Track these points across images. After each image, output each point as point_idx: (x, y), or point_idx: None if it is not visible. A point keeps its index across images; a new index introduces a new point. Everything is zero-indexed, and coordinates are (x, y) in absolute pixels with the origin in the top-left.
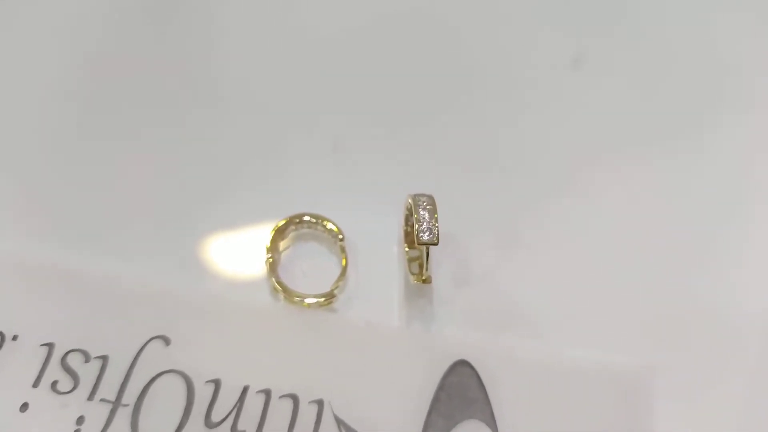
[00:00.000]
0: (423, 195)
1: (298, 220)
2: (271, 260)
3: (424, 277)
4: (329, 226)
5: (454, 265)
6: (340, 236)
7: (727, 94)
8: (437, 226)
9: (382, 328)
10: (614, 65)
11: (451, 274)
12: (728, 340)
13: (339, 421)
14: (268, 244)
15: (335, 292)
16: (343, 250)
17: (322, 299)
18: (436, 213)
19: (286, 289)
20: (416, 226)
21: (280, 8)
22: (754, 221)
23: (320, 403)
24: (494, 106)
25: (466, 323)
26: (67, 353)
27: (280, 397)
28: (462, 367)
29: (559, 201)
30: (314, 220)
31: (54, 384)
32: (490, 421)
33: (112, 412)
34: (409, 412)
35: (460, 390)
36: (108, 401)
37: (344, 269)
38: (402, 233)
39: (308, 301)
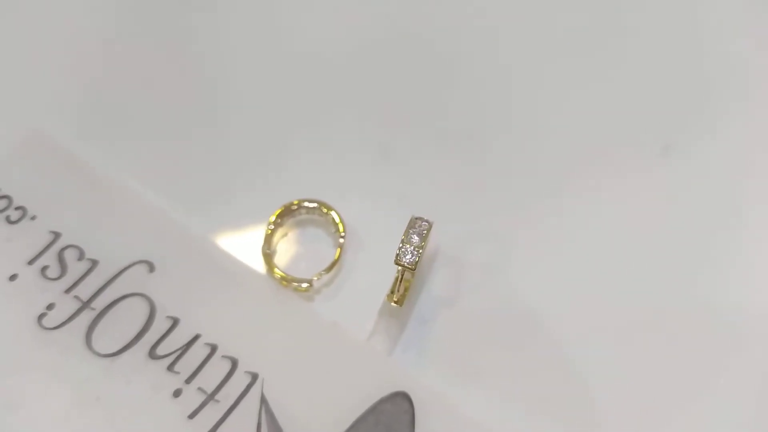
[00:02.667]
0: (424, 220)
1: (309, 205)
2: (269, 231)
3: (395, 298)
4: (336, 219)
5: (443, 297)
6: (342, 233)
7: (725, 93)
8: (420, 254)
9: (344, 334)
10: (611, 63)
11: (437, 305)
12: (727, 340)
13: (263, 400)
14: (273, 217)
15: (314, 281)
16: (340, 246)
17: (300, 284)
18: (426, 242)
19: (269, 262)
20: (400, 245)
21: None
22: (753, 220)
23: (254, 376)
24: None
25: (429, 360)
26: (67, 246)
27: (223, 356)
28: (401, 400)
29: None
30: (325, 210)
31: (45, 268)
32: None
33: (78, 311)
34: (330, 420)
35: (389, 420)
36: (80, 300)
37: (332, 264)
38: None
39: (286, 279)
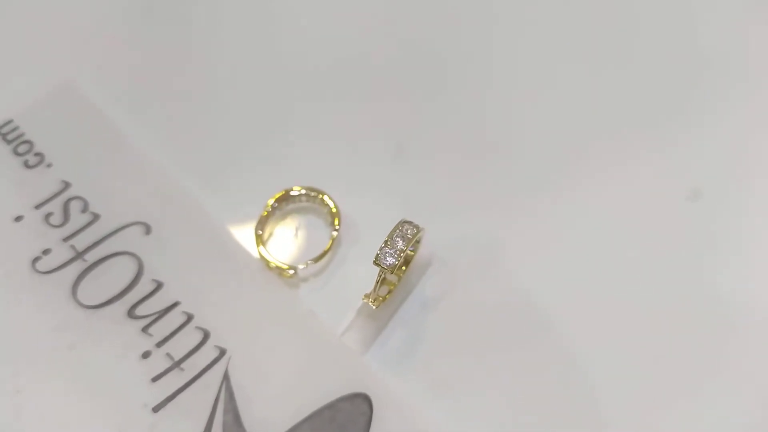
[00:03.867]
0: (411, 224)
1: (310, 193)
2: (265, 213)
3: (372, 299)
4: (333, 210)
5: (429, 304)
6: (336, 226)
7: (719, 81)
8: (401, 258)
9: (319, 326)
10: (606, 56)
11: (421, 311)
12: (728, 333)
13: (226, 376)
14: (271, 200)
15: (299, 268)
16: (332, 238)
17: (283, 267)
18: (408, 248)
19: (260, 243)
20: (382, 246)
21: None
22: (751, 211)
23: (222, 352)
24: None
25: (401, 365)
26: (74, 197)
27: (197, 327)
28: (361, 402)
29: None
30: (324, 200)
31: (49, 215)
32: None
33: (71, 260)
34: (287, 409)
35: (345, 420)
36: (75, 250)
37: (321, 255)
38: None
39: (272, 263)
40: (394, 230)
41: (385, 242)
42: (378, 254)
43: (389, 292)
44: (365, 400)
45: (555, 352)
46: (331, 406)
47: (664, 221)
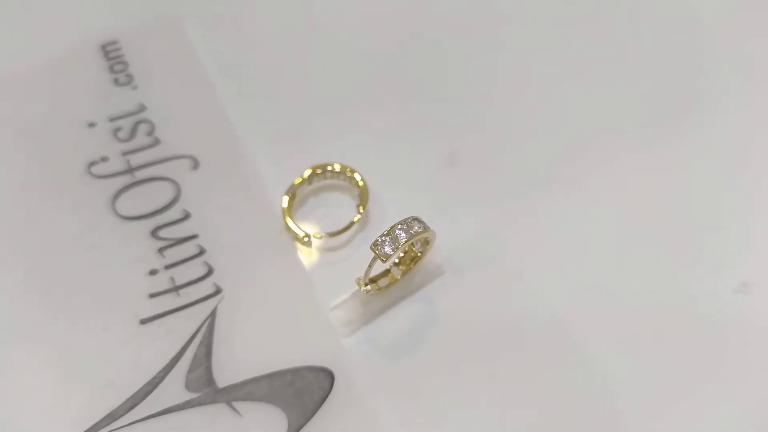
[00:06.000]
0: (421, 222)
1: (348, 173)
2: (298, 181)
3: (364, 283)
4: (362, 193)
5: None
6: (361, 209)
7: (720, 80)
8: (397, 251)
9: (311, 295)
10: (606, 56)
11: (416, 314)
12: (723, 336)
13: (213, 314)
14: (308, 170)
15: (313, 238)
16: (353, 220)
17: (299, 233)
18: (409, 243)
19: (285, 209)
20: (383, 235)
21: None
22: (749, 212)
23: (218, 290)
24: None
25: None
26: (145, 120)
27: (204, 261)
28: (324, 377)
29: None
30: (358, 182)
31: (119, 129)
32: (291, 420)
33: (122, 173)
34: (255, 360)
35: (303, 387)
36: (129, 164)
37: (338, 231)
38: None
39: (291, 226)
40: (400, 222)
41: (388, 231)
42: (376, 240)
43: (389, 285)
44: (329, 376)
45: (551, 371)
46: (294, 371)
47: (664, 221)
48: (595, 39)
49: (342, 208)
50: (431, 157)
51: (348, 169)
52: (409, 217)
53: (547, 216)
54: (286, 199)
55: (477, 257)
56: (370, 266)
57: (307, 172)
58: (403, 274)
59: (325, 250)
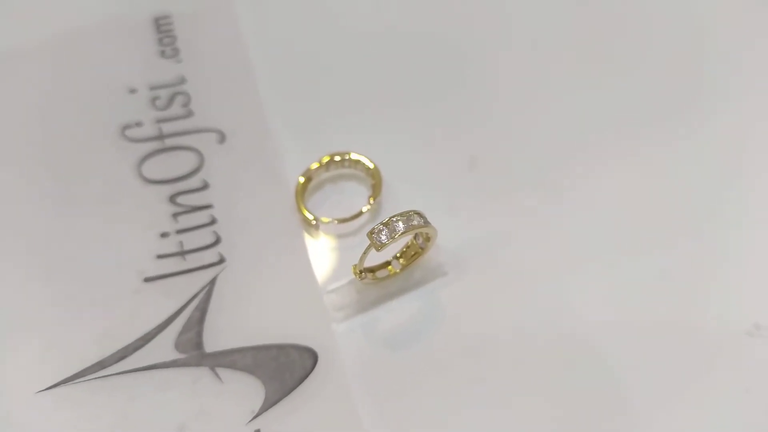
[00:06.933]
0: (421, 216)
1: (365, 163)
2: (314, 166)
3: (359, 270)
4: (376, 185)
5: (423, 310)
6: (372, 200)
7: (720, 79)
8: (392, 241)
9: (309, 277)
10: (608, 56)
11: (412, 313)
12: (720, 341)
13: (213, 281)
14: (326, 157)
15: (320, 221)
16: (362, 210)
17: (307, 215)
18: (407, 236)
19: (299, 189)
20: (381, 223)
21: None
22: (747, 213)
23: (222, 260)
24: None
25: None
26: (183, 92)
27: (214, 231)
28: (308, 357)
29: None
30: (374, 174)
31: (156, 98)
32: (269, 394)
33: (153, 138)
34: (244, 333)
35: (286, 364)
36: (161, 132)
37: (346, 219)
38: None
39: (301, 208)
40: (400, 214)
41: (387, 221)
42: (374, 228)
43: (387, 277)
44: (312, 357)
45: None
46: (280, 347)
47: (665, 221)
48: (597, 43)
49: (356, 197)
50: (450, 157)
51: (366, 160)
52: (411, 211)
53: (556, 218)
54: (300, 181)
55: (483, 260)
56: (365, 253)
57: (326, 159)
58: (403, 268)
59: (333, 235)
